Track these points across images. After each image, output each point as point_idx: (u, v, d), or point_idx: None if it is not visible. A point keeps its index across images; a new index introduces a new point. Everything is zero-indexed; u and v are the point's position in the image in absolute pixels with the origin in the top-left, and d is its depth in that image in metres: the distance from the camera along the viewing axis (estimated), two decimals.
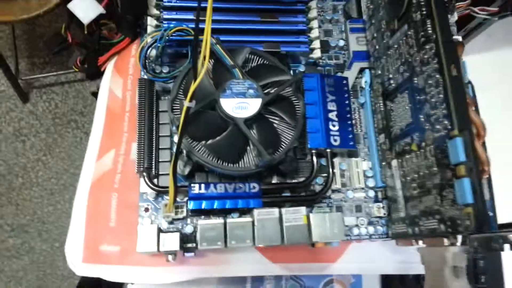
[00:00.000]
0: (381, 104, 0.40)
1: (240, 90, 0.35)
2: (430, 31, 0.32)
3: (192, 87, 0.30)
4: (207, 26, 0.28)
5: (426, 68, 0.33)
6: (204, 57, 0.30)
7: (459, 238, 0.31)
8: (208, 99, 0.34)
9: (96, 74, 0.48)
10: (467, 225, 0.28)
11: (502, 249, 0.30)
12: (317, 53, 0.43)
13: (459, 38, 0.43)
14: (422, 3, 0.33)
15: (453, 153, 0.29)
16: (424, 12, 0.33)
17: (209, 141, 0.35)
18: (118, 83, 0.44)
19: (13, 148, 1.06)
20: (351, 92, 0.43)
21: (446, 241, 0.31)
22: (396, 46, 0.37)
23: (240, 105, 0.35)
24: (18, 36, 0.97)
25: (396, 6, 0.37)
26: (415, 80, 0.34)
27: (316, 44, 0.43)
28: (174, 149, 0.36)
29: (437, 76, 0.31)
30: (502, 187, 0.57)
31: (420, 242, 0.34)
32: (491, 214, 0.39)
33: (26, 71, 1.02)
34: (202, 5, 0.29)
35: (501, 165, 0.58)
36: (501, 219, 0.56)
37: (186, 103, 0.30)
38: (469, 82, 0.55)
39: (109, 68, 0.46)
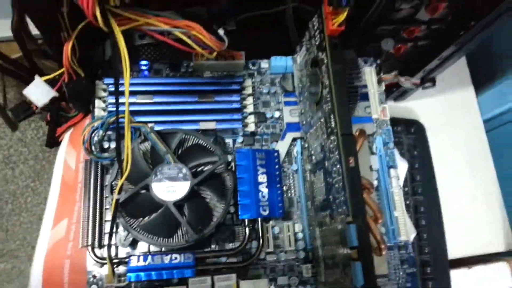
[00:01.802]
0: (308, 175, 0.45)
1: (171, 174, 0.39)
2: (333, 125, 0.37)
3: (120, 182, 0.34)
4: (127, 130, 0.32)
5: (332, 156, 0.37)
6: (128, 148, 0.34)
7: None
8: (140, 185, 0.38)
9: (54, 143, 0.52)
10: None
11: None
12: (251, 127, 0.47)
13: (384, 105, 0.48)
14: (328, 99, 0.37)
15: (348, 237, 0.33)
16: (330, 107, 0.37)
17: (144, 221, 0.39)
18: (72, 155, 0.48)
19: (2, 175, 1.10)
20: (286, 159, 0.48)
21: None
22: (315, 127, 0.42)
23: (171, 188, 0.39)
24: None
25: (315, 93, 0.41)
26: (326, 163, 0.39)
27: (251, 118, 0.47)
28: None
29: (338, 166, 0.36)
30: (451, 222, 0.61)
31: None
32: (413, 269, 0.43)
33: (14, 99, 1.05)
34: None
35: (449, 201, 0.63)
36: (452, 254, 0.60)
37: (115, 196, 0.34)
38: (413, 122, 0.59)
39: (65, 139, 0.50)
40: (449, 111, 0.70)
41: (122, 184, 0.34)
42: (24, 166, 1.11)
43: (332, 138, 0.37)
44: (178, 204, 0.39)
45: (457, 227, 0.62)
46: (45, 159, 1.08)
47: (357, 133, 0.41)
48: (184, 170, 0.39)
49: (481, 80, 0.72)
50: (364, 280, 0.32)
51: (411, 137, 0.65)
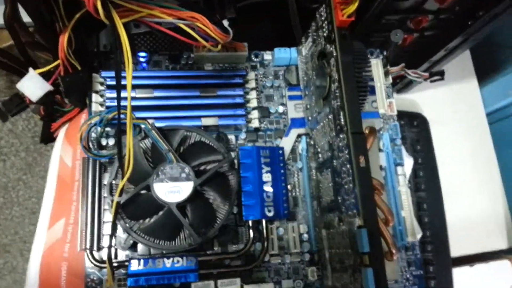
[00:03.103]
0: (314, 173, 0.43)
1: (173, 174, 0.37)
2: (342, 122, 0.35)
3: (121, 183, 0.32)
4: (129, 137, 0.31)
5: (342, 155, 0.35)
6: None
7: None
8: (141, 185, 0.37)
9: (49, 139, 0.50)
10: None
11: None
12: (255, 123, 0.45)
13: (390, 100, 0.46)
14: (337, 94, 0.36)
15: (359, 242, 0.32)
16: (339, 103, 0.36)
17: (145, 223, 0.38)
18: (68, 152, 0.46)
19: None
20: (290, 156, 0.46)
21: None
22: (322, 124, 0.40)
23: (173, 189, 0.37)
24: None
25: (321, 87, 0.40)
26: (334, 162, 0.37)
27: (254, 114, 0.45)
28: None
29: (348, 166, 0.34)
30: (454, 219, 0.60)
31: None
32: (420, 272, 0.43)
33: (5, 89, 1.02)
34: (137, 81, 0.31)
35: (453, 193, 0.62)
36: (454, 252, 0.59)
37: (116, 198, 0.32)
38: (416, 115, 0.58)
39: (61, 135, 0.47)
40: (452, 104, 0.68)
41: (123, 186, 0.32)
42: (15, 159, 1.08)
43: (341, 136, 0.35)
44: (181, 206, 0.38)
45: (459, 224, 0.61)
46: (36, 151, 1.06)
47: (367, 131, 0.40)
48: (187, 169, 0.38)
49: (485, 73, 0.71)
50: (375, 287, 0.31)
51: (414, 130, 0.63)
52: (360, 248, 0.32)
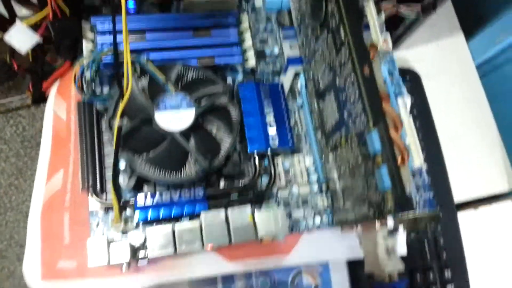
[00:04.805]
0: (316, 104, 0.43)
1: (174, 103, 0.37)
2: (342, 35, 0.35)
3: (121, 105, 0.31)
4: (126, 47, 0.30)
5: (344, 69, 0.35)
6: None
7: (390, 220, 0.34)
8: (142, 116, 0.36)
9: (41, 99, 0.49)
10: (389, 208, 0.31)
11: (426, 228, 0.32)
12: (251, 62, 0.45)
13: (385, 35, 0.46)
14: (336, 11, 0.36)
15: (370, 144, 0.32)
16: (337, 19, 0.35)
17: (150, 154, 0.37)
18: (61, 106, 0.45)
19: None
20: (289, 94, 0.46)
21: (377, 224, 0.34)
22: (320, 50, 0.40)
23: (175, 117, 0.36)
24: None
25: (317, 15, 0.40)
26: (337, 80, 0.37)
27: (250, 53, 0.45)
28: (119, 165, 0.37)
29: (353, 75, 0.34)
30: (455, 167, 0.61)
31: (358, 227, 0.37)
32: (430, 195, 0.42)
33: None
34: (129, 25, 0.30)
35: (449, 146, 0.62)
36: (458, 198, 0.59)
37: (117, 122, 0.31)
38: (408, 71, 0.58)
39: (53, 92, 0.46)
40: (442, 59, 0.69)
41: (125, 108, 0.31)
42: (5, 164, 1.06)
43: (342, 50, 0.35)
44: (184, 136, 0.37)
45: (460, 171, 0.61)
46: (27, 155, 1.03)
47: (369, 44, 0.39)
48: (188, 98, 0.37)
49: (470, 26, 0.72)
50: (391, 183, 0.30)
51: (407, 85, 0.64)
52: (372, 149, 0.32)
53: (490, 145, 0.65)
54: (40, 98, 0.49)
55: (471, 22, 0.73)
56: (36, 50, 0.44)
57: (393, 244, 0.34)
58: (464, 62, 0.70)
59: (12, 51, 0.47)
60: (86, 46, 0.42)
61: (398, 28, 0.56)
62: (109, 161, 0.39)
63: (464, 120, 0.66)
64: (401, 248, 0.45)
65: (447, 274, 0.52)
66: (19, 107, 1.10)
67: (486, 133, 0.66)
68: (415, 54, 0.68)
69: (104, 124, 0.40)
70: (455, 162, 0.61)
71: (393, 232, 0.34)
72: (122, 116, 0.32)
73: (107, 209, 0.39)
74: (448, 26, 0.71)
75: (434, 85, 0.65)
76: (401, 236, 0.46)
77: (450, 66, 0.69)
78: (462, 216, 0.58)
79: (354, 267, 0.49)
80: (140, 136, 0.36)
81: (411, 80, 0.65)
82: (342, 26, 0.35)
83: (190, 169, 0.37)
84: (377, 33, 0.46)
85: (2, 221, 1.03)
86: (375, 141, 0.31)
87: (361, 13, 0.41)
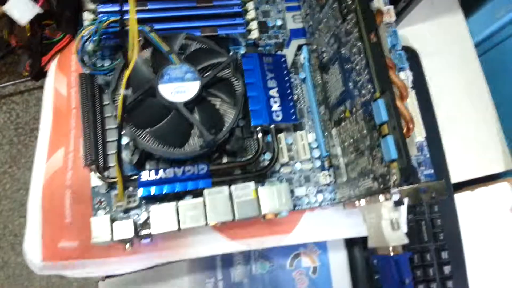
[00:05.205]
0: (319, 77, 0.42)
1: (178, 75, 0.36)
2: (350, 2, 0.34)
3: (126, 74, 0.30)
4: (132, 14, 0.29)
5: (350, 38, 0.35)
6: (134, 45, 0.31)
7: (394, 193, 0.34)
8: (146, 87, 0.35)
9: (40, 74, 0.48)
10: (395, 180, 0.30)
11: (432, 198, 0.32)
12: (255, 34, 0.44)
13: (388, 7, 0.46)
14: None
15: (377, 114, 0.31)
16: None
17: (153, 128, 0.36)
18: (62, 81, 0.44)
19: None
20: (292, 69, 0.45)
21: (381, 198, 0.33)
22: (325, 20, 0.39)
23: (179, 89, 0.36)
24: None
25: None
26: (342, 50, 0.36)
27: (253, 25, 0.44)
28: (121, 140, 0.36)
29: (359, 44, 0.33)
30: (452, 147, 0.61)
31: (362, 202, 0.37)
32: (431, 170, 0.42)
33: None
34: None
35: (448, 123, 0.62)
36: (455, 179, 0.60)
37: (122, 91, 0.31)
38: (407, 49, 0.58)
39: (52, 67, 0.45)
40: (440, 37, 0.68)
41: (128, 80, 0.31)
42: None
43: (349, 17, 0.34)
44: (188, 108, 0.36)
45: (457, 151, 0.61)
46: (21, 143, 1.02)
47: (376, 11, 0.38)
48: (192, 69, 0.36)
49: (469, 2, 0.71)
50: (397, 153, 0.30)
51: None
52: (378, 119, 0.31)
53: (487, 125, 0.65)
54: (39, 75, 0.48)
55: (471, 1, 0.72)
56: (34, 24, 0.43)
57: (398, 217, 0.34)
58: (462, 40, 0.69)
59: (11, 26, 0.47)
60: (87, 17, 0.41)
61: (397, 4, 0.55)
62: (111, 137, 0.39)
63: (461, 100, 0.65)
64: (403, 224, 0.45)
65: (444, 255, 0.53)
66: (12, 93, 1.08)
67: (483, 113, 0.65)
68: (414, 31, 0.67)
69: (106, 99, 0.39)
70: (452, 142, 0.61)
71: (398, 204, 0.34)
72: (126, 87, 0.31)
73: (110, 186, 0.38)
74: (447, 3, 0.70)
75: (433, 63, 0.65)
76: (404, 212, 0.47)
77: (448, 44, 0.68)
78: (459, 198, 0.58)
79: (352, 248, 0.49)
80: (144, 109, 0.36)
81: (410, 58, 0.64)
82: None
83: (194, 143, 0.37)
84: (381, 4, 0.46)
85: None
86: (381, 110, 0.31)
87: None
